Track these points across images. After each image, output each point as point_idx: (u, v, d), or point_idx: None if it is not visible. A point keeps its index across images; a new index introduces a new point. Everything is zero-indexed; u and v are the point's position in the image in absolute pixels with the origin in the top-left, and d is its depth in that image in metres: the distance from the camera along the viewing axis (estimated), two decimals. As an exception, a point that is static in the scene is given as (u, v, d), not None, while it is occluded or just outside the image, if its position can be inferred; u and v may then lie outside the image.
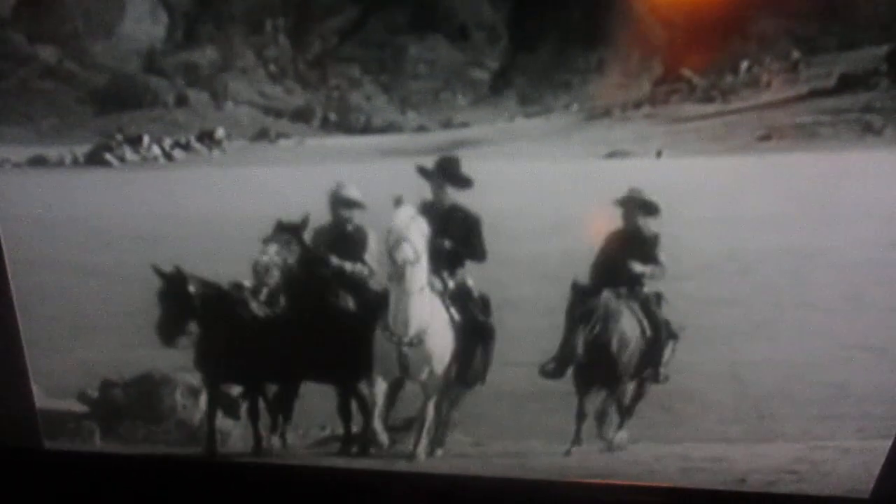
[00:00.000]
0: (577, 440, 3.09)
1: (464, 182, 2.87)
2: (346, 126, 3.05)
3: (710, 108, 2.95)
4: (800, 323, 2.90)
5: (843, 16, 2.61)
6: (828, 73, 2.82)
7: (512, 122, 3.05)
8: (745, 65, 2.85)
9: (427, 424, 3.07)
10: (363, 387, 3.11)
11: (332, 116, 3.06)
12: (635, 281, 3.03)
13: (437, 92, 2.97)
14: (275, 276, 2.97)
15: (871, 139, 2.89)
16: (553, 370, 2.96)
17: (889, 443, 2.75)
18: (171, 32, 2.82)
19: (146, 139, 3.14)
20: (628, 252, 2.98)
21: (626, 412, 3.16)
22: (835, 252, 2.89)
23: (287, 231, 2.94)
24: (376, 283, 3.07)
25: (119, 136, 3.12)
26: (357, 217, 3.00)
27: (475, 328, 3.03)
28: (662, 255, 2.97)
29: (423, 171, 2.87)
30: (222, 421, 3.16)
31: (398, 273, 2.84)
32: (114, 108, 3.02)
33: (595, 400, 3.10)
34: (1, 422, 3.04)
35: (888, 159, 2.83)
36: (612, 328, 2.99)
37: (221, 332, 3.00)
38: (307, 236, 3.00)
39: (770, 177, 2.91)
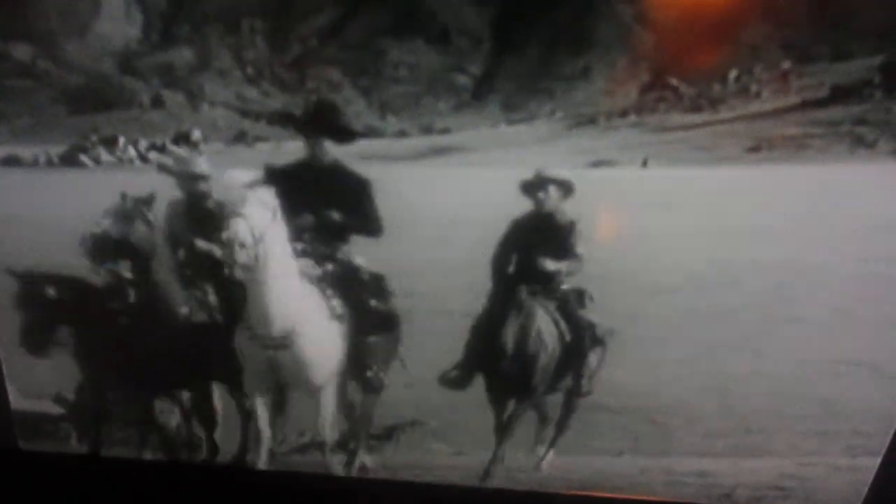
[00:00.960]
0: (495, 459, 2.86)
1: (344, 134, 2.48)
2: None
3: (697, 117, 2.91)
4: (788, 337, 2.85)
5: (837, 25, 2.55)
6: (820, 84, 2.77)
7: (495, 129, 3.00)
8: (734, 74, 2.80)
9: (328, 444, 2.72)
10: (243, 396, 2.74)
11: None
12: (550, 277, 2.69)
13: (419, 97, 2.93)
14: (109, 255, 2.56)
15: (862, 152, 2.83)
16: (456, 379, 2.72)
17: (878, 460, 2.70)
18: (146, 33, 2.78)
19: (121, 140, 3.10)
20: (540, 243, 2.65)
21: (557, 429, 2.93)
22: (824, 266, 2.85)
23: (130, 205, 2.55)
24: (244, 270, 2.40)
25: (94, 137, 3.08)
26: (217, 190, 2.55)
27: (370, 319, 2.61)
28: (580, 246, 2.64)
29: (291, 119, 2.53)
30: (199, 427, 3.12)
31: (245, 258, 2.28)
32: (89, 109, 2.98)
33: (519, 413, 2.81)
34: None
35: (880, 173, 2.78)
36: (528, 330, 2.67)
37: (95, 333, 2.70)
38: (157, 215, 2.60)
39: (759, 189, 2.87)
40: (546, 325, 2.72)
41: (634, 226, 2.86)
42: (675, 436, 2.97)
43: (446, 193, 2.75)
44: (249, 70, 2.93)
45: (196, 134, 3.08)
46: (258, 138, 3.12)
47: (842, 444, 2.86)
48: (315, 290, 2.51)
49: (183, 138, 3.08)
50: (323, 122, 2.52)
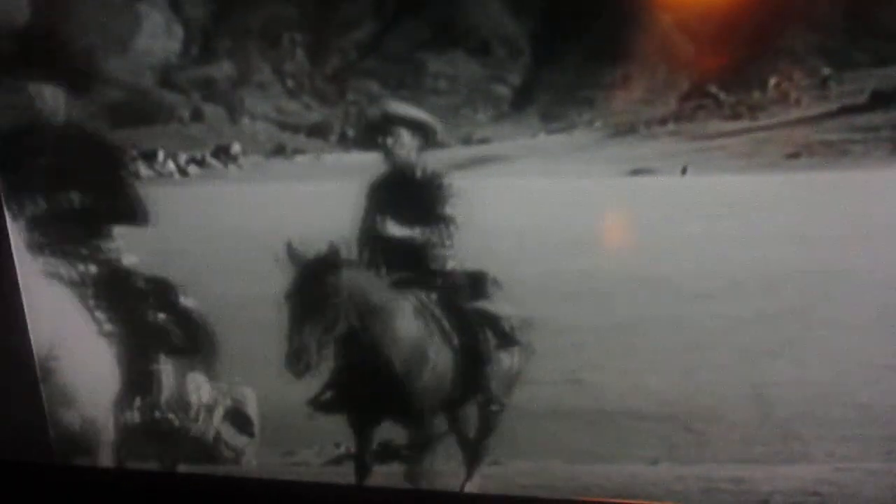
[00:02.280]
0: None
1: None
2: (363, 142, 3.01)
3: (737, 124, 2.90)
4: (826, 343, 2.85)
5: (876, 30, 2.55)
6: (860, 90, 2.76)
7: (534, 139, 3.00)
8: (773, 81, 2.80)
9: None
10: None
11: (350, 132, 3.01)
12: (418, 255, 2.14)
13: (458, 107, 2.92)
14: None
15: (903, 157, 2.83)
16: (329, 402, 2.23)
17: (917, 466, 2.70)
18: (186, 47, 2.79)
19: (161, 154, 3.11)
20: (396, 208, 2.12)
21: (473, 451, 2.44)
22: (864, 272, 2.84)
23: None
24: None
25: (134, 152, 3.09)
26: None
27: (158, 331, 2.16)
28: (452, 208, 2.13)
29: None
30: (235, 438, 3.12)
31: None
32: (129, 123, 2.98)
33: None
34: (11, 435, 3.00)
35: (921, 178, 2.78)
36: (380, 329, 2.08)
37: None
38: None
39: (799, 195, 2.86)
40: (413, 323, 2.14)
41: (674, 233, 2.87)
42: (712, 443, 2.96)
43: (485, 204, 2.73)
44: (289, 83, 2.94)
45: (236, 147, 3.10)
46: (297, 151, 3.13)
47: (880, 449, 2.85)
48: (75, 297, 2.05)
49: (223, 151, 3.09)
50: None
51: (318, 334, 2.04)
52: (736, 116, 2.89)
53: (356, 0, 2.79)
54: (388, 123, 2.17)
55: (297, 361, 2.04)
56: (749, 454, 2.94)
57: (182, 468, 3.10)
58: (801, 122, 2.85)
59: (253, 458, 3.14)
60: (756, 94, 2.84)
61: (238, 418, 3.15)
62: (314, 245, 2.12)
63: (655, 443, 3.05)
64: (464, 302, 2.23)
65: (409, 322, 2.15)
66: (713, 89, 2.86)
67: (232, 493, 3.12)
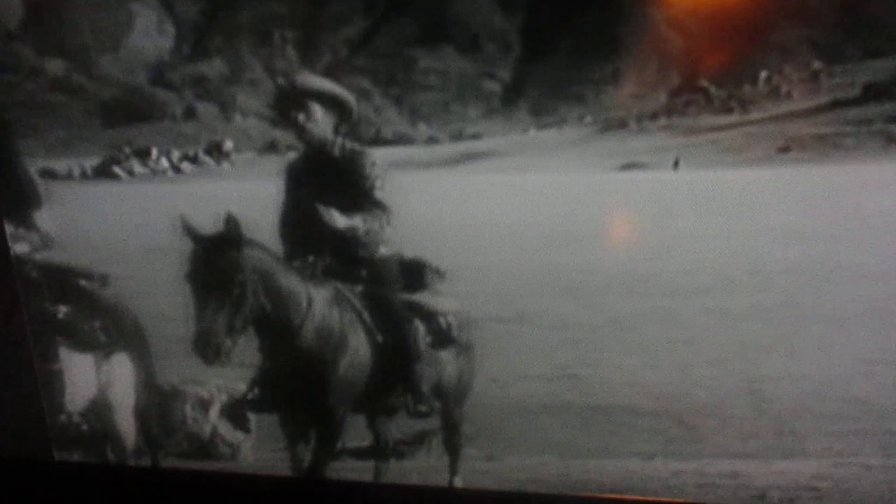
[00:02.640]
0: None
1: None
2: (355, 138, 3.01)
3: (728, 118, 2.89)
4: (821, 337, 2.84)
5: (868, 24, 2.54)
6: (851, 83, 2.75)
7: (525, 134, 3.00)
8: (763, 75, 2.79)
9: None
10: None
11: (342, 128, 3.02)
12: (344, 241, 1.90)
13: (448, 103, 2.93)
14: None
15: (894, 150, 2.81)
16: (256, 400, 2.04)
17: (913, 460, 2.69)
18: (178, 45, 2.81)
19: (155, 152, 3.13)
20: (320, 191, 1.89)
21: (450, 451, 2.29)
22: (857, 265, 2.83)
23: None
24: None
25: (127, 149, 3.11)
26: None
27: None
28: (380, 191, 1.89)
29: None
30: (232, 433, 3.13)
31: None
32: (122, 121, 3.00)
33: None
34: (10, 433, 3.02)
35: (913, 171, 2.77)
36: (293, 317, 1.85)
37: None
38: None
39: (790, 189, 2.85)
40: (329, 314, 1.92)
41: (666, 227, 2.86)
42: (708, 438, 2.95)
43: (476, 198, 2.72)
44: (280, 80, 2.95)
45: (228, 144, 3.11)
46: (290, 147, 3.14)
47: (876, 443, 2.84)
48: None
49: (215, 148, 3.11)
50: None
51: (226, 315, 1.83)
52: (727, 111, 2.89)
53: (346, -3, 2.80)
54: (300, 97, 1.94)
55: (206, 344, 1.81)
56: (745, 449, 2.93)
57: (179, 464, 3.13)
58: (792, 115, 2.84)
59: (249, 454, 3.15)
60: (747, 89, 2.83)
61: (234, 414, 3.17)
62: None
63: (651, 438, 3.04)
64: (393, 293, 1.98)
65: (324, 310, 1.92)
66: (704, 83, 2.85)
67: (229, 488, 3.14)
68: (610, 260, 2.91)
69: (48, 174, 3.12)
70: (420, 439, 3.02)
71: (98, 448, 2.47)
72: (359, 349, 1.97)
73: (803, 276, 2.88)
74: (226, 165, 3.19)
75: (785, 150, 2.85)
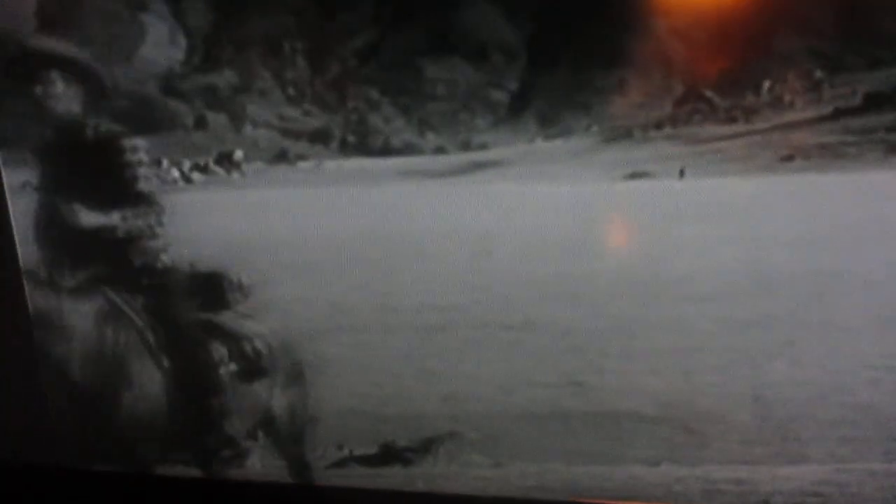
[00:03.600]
0: None
1: None
2: (364, 148, 3.04)
3: (732, 128, 2.91)
4: (825, 344, 2.85)
5: (869, 33, 2.56)
6: (853, 92, 2.78)
7: (531, 144, 3.02)
8: (766, 84, 2.82)
9: None
10: None
11: (351, 138, 3.04)
12: (114, 247, 1.52)
13: (456, 113, 2.95)
14: None
15: (895, 159, 2.84)
16: None
17: (917, 466, 2.70)
18: (189, 55, 2.83)
19: (165, 162, 3.14)
20: (75, 182, 1.52)
21: None
22: (861, 273, 2.85)
23: None
24: None
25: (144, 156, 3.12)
26: None
27: None
28: (146, 183, 1.52)
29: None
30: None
31: None
32: (133, 132, 3.02)
33: None
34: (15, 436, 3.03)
35: (915, 179, 2.79)
36: (55, 340, 1.48)
37: None
38: None
39: (794, 197, 2.87)
40: (101, 335, 1.54)
41: (671, 236, 2.88)
42: (713, 444, 2.96)
43: (484, 208, 2.75)
44: (290, 90, 2.98)
45: (238, 154, 3.13)
46: (299, 157, 3.16)
47: (880, 449, 2.84)
48: None
49: (226, 158, 3.13)
50: None
51: None
52: (731, 120, 2.91)
53: (355, 8, 2.82)
54: (34, 64, 1.55)
55: None
56: (749, 455, 2.93)
57: (185, 471, 3.13)
58: (795, 125, 2.86)
59: (257, 461, 3.16)
60: (750, 98, 2.86)
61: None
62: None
63: (656, 444, 3.05)
64: (184, 310, 1.62)
65: (93, 330, 1.57)
66: (708, 93, 2.88)
67: (236, 495, 3.14)
68: (616, 268, 2.93)
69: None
70: (427, 446, 3.03)
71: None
72: (143, 377, 1.60)
73: (808, 283, 2.90)
74: (236, 175, 3.21)
75: (789, 158, 2.88)
